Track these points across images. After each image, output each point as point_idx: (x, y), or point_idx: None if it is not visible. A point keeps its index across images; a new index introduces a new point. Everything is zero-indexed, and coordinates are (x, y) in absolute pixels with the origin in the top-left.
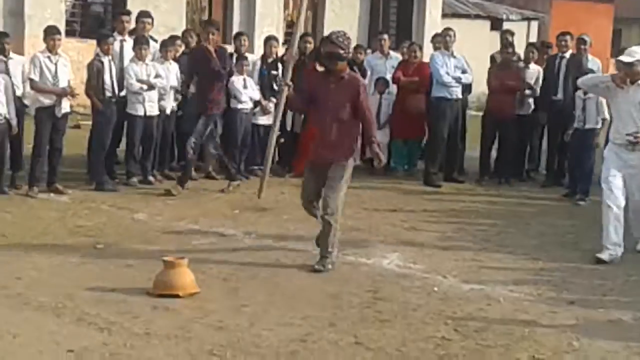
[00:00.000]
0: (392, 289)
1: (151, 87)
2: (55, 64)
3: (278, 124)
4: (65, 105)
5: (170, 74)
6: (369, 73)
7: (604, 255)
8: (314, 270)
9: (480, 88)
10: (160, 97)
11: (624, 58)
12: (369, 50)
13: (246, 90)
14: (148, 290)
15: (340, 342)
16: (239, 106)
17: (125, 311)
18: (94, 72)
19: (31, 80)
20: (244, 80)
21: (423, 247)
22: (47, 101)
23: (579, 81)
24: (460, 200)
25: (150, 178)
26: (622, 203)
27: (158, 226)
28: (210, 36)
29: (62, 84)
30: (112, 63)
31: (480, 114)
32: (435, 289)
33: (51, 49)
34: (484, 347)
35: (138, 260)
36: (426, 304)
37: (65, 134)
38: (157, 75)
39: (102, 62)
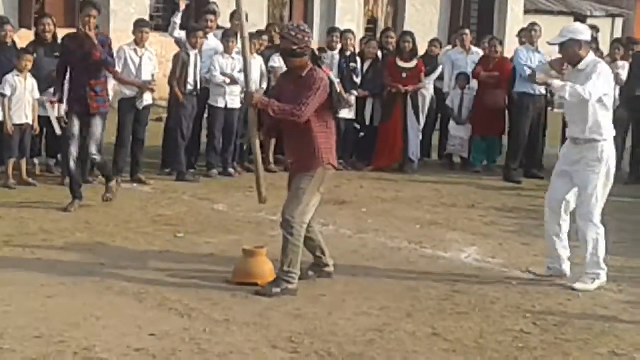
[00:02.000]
0: (470, 282)
1: (234, 81)
2: (140, 57)
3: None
4: (147, 98)
5: (254, 67)
6: (440, 68)
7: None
8: (257, 292)
9: None
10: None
11: (554, 40)
12: (449, 46)
13: None
14: (227, 279)
15: (418, 333)
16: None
17: (205, 298)
18: (180, 64)
19: None
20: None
21: (502, 242)
22: (129, 92)
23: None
24: (540, 197)
25: (231, 170)
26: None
27: (237, 217)
28: (92, 20)
29: (145, 77)
30: (198, 57)
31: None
32: (514, 282)
33: (139, 42)
34: (563, 341)
35: (218, 249)
36: (504, 297)
37: (147, 125)
38: (242, 70)
39: (188, 55)
